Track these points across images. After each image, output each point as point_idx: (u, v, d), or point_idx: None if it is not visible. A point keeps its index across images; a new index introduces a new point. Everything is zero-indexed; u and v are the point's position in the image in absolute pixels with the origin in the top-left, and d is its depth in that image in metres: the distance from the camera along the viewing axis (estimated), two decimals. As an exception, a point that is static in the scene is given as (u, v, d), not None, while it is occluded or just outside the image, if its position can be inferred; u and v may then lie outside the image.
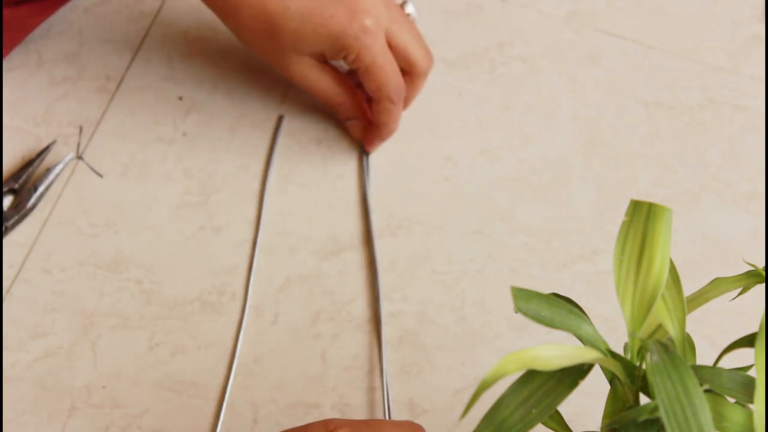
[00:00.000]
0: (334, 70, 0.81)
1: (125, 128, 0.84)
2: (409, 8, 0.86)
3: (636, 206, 0.56)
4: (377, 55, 0.78)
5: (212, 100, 0.86)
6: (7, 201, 0.80)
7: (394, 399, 0.76)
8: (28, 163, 0.82)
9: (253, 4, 0.76)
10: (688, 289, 0.58)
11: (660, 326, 0.58)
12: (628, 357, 0.55)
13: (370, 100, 0.82)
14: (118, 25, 0.88)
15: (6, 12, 0.83)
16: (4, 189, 0.80)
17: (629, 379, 0.55)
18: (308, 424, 0.65)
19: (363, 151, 0.84)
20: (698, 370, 0.54)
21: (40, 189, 0.80)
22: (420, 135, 0.86)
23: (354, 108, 0.83)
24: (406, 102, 0.83)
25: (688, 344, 0.58)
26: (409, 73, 0.81)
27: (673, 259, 0.56)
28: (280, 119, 0.86)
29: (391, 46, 0.79)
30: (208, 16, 0.89)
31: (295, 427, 0.65)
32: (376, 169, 0.84)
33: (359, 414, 0.76)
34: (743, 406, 0.54)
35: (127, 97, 0.86)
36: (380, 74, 0.79)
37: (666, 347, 0.51)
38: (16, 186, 0.80)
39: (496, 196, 0.84)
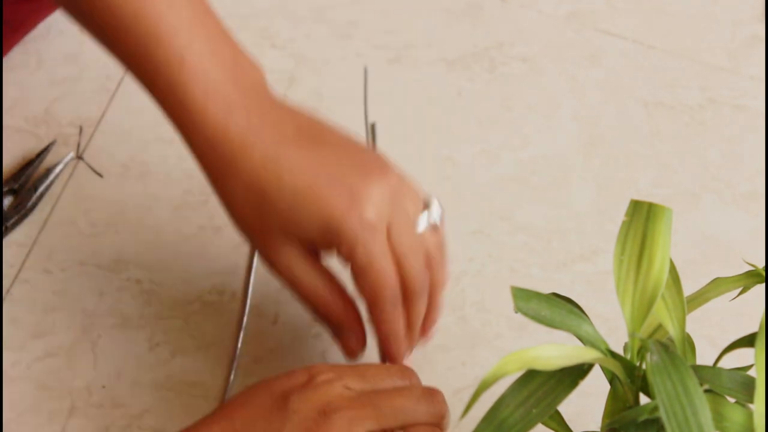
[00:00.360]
0: (327, 270, 0.68)
1: (125, 128, 0.84)
2: (434, 211, 0.70)
3: (636, 206, 0.56)
4: (376, 254, 0.65)
5: (212, 100, 0.86)
6: (7, 201, 0.80)
7: (394, 399, 0.76)
8: (28, 163, 0.81)
9: (246, 172, 0.65)
10: (688, 289, 0.58)
11: (660, 326, 0.58)
12: (628, 357, 0.55)
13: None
14: (118, 25, 0.88)
15: (6, 9, 0.83)
16: (4, 189, 0.80)
17: (629, 379, 0.55)
18: (292, 371, 0.63)
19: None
20: (698, 370, 0.54)
21: (40, 189, 0.80)
22: (420, 135, 0.86)
23: (345, 315, 0.68)
24: (410, 326, 0.69)
25: (688, 344, 0.58)
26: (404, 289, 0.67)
27: (673, 259, 0.56)
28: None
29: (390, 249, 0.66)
30: (208, 16, 0.89)
31: (278, 374, 0.64)
32: (376, 169, 0.84)
33: (359, 414, 0.75)
34: (743, 406, 0.54)
35: (127, 97, 0.86)
36: (377, 277, 0.65)
37: (666, 347, 0.51)
38: (16, 186, 0.80)
39: (496, 196, 0.84)
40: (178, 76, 0.65)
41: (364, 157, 0.67)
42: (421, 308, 0.68)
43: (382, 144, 0.85)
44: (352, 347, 0.69)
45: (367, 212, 0.64)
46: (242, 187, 0.66)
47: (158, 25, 0.65)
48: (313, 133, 0.67)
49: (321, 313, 0.68)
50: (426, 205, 0.69)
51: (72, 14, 0.69)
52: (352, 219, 0.64)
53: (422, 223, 0.68)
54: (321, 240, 0.65)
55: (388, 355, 0.68)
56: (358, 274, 0.66)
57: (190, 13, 0.66)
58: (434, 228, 0.69)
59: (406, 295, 0.67)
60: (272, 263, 0.67)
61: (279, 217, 0.65)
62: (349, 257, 0.65)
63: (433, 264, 0.68)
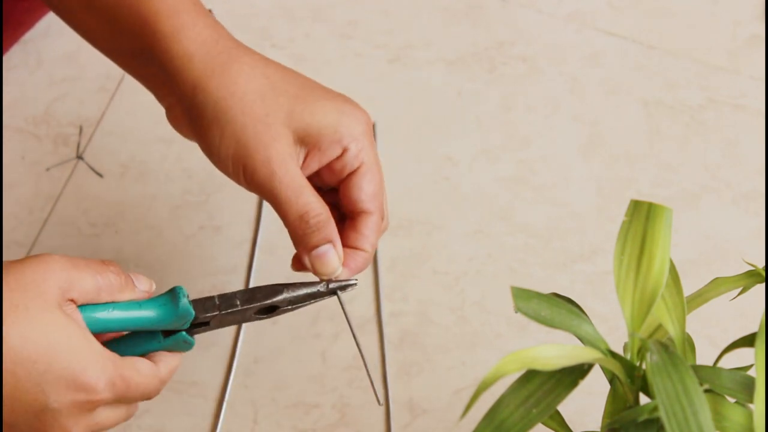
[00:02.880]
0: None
1: (125, 128, 0.84)
2: None
3: (636, 206, 0.56)
4: (375, 155, 0.66)
5: (212, 100, 0.86)
6: None
7: (394, 399, 0.76)
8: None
9: (250, 64, 0.64)
10: (688, 289, 0.58)
11: (660, 326, 0.58)
12: (628, 357, 0.55)
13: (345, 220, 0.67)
14: (118, 25, 0.88)
15: (5, 7, 0.83)
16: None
17: (629, 379, 0.55)
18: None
19: (330, 291, 0.65)
20: (698, 370, 0.54)
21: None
22: (420, 135, 0.86)
23: (332, 226, 0.65)
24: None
25: (688, 344, 0.58)
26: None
27: (673, 259, 0.56)
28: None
29: None
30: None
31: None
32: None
33: (359, 413, 0.76)
34: (743, 405, 0.54)
35: (127, 97, 0.86)
36: (381, 176, 0.66)
37: (666, 347, 0.51)
38: None
39: (496, 196, 0.84)
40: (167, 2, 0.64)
41: None
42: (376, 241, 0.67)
43: (382, 144, 0.85)
44: (336, 264, 0.65)
45: (367, 119, 0.65)
46: (246, 76, 0.64)
47: None
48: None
49: (308, 221, 0.64)
50: None
51: None
52: (359, 117, 0.65)
53: None
54: (330, 132, 0.64)
55: (354, 266, 0.65)
56: (365, 173, 0.65)
57: None
58: None
59: (374, 220, 0.67)
60: (267, 156, 0.63)
61: (287, 103, 0.64)
62: (358, 154, 0.64)
63: None
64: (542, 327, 0.56)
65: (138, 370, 0.60)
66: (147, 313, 0.61)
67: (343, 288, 0.65)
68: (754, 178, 0.85)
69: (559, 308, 0.56)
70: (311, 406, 0.75)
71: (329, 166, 0.65)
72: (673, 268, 0.56)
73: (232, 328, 0.77)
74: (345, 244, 0.65)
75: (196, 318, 0.62)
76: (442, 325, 0.79)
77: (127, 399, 0.60)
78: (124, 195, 0.82)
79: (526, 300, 0.55)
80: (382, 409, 0.75)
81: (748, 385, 0.53)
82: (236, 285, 0.79)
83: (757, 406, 0.50)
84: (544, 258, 0.81)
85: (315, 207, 0.64)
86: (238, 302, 0.63)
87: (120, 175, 0.83)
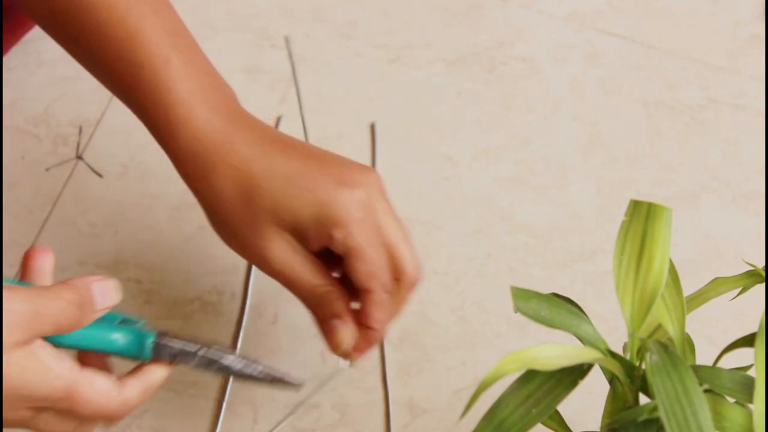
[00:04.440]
0: (315, 258, 0.66)
1: (125, 128, 0.84)
2: None
3: (636, 206, 0.56)
4: (370, 233, 0.65)
5: (212, 100, 0.86)
6: None
7: (394, 399, 0.76)
8: None
9: (233, 164, 0.65)
10: (688, 289, 0.58)
11: (660, 326, 0.58)
12: (628, 357, 0.55)
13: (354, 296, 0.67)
14: (118, 25, 0.88)
15: (5, 7, 0.83)
16: None
17: (629, 379, 0.55)
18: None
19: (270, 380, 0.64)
20: (698, 370, 0.54)
21: None
22: (420, 135, 0.86)
23: (339, 303, 0.66)
24: (389, 317, 0.67)
25: (688, 344, 0.58)
26: (396, 279, 0.66)
27: (673, 259, 0.56)
28: (279, 120, 0.86)
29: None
30: (207, 16, 0.89)
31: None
32: (377, 169, 0.84)
33: (359, 413, 0.76)
34: (743, 406, 0.54)
35: (127, 97, 0.86)
36: (375, 256, 0.65)
37: (666, 347, 0.51)
38: None
39: (496, 196, 0.84)
40: (164, 74, 0.66)
41: (343, 157, 0.68)
42: (406, 300, 0.68)
43: (382, 144, 0.85)
44: (344, 337, 0.66)
45: (358, 193, 0.64)
46: (230, 178, 0.65)
47: (143, 28, 0.66)
48: (292, 138, 0.68)
49: (315, 299, 0.66)
50: None
51: (50, 28, 0.69)
52: (344, 198, 0.64)
53: None
54: (314, 225, 0.64)
55: (364, 345, 0.66)
56: (353, 257, 0.64)
57: (172, 23, 0.67)
58: None
59: (403, 282, 0.66)
60: (264, 258, 0.65)
61: (270, 204, 0.64)
62: (343, 240, 0.64)
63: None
64: (542, 327, 0.56)
65: (93, 386, 0.58)
66: (116, 338, 0.61)
67: (283, 384, 0.64)
68: (754, 178, 0.85)
69: (558, 308, 0.56)
70: (311, 406, 0.75)
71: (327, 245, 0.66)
72: (672, 268, 0.56)
73: (233, 327, 0.77)
74: (356, 322, 0.66)
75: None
76: (442, 325, 0.79)
77: (75, 412, 0.58)
78: (124, 195, 0.82)
79: (526, 300, 0.55)
80: (383, 409, 0.75)
81: (748, 385, 0.53)
82: (236, 285, 0.79)
83: (757, 406, 0.50)
84: (544, 258, 0.81)
85: (318, 288, 0.66)
86: (192, 363, 0.63)
87: (120, 175, 0.83)
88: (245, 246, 0.66)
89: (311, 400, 0.75)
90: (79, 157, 0.83)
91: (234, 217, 0.65)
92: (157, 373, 0.62)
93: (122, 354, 0.62)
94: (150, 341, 0.62)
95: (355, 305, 0.67)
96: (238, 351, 0.66)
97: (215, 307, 0.78)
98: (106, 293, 0.60)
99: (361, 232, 0.64)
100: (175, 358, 0.63)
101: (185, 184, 0.67)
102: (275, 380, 0.63)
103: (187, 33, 0.68)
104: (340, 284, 0.67)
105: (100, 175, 0.83)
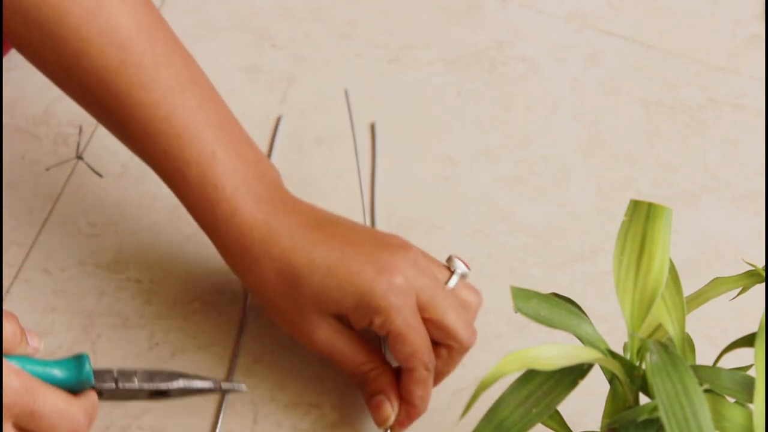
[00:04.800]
0: (360, 336, 0.71)
1: (125, 128, 0.84)
2: (458, 267, 0.72)
3: (636, 206, 0.56)
4: (409, 317, 0.68)
5: (212, 100, 0.86)
6: None
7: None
8: None
9: (276, 257, 0.69)
10: (688, 289, 0.58)
11: (660, 326, 0.58)
12: (628, 357, 0.55)
13: (398, 373, 0.71)
14: (118, 25, 0.88)
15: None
16: None
17: (629, 378, 0.55)
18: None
19: (221, 390, 0.71)
20: (698, 370, 0.54)
21: None
22: (420, 135, 0.86)
23: (383, 379, 0.70)
24: (437, 379, 0.71)
25: (688, 344, 0.58)
26: (447, 346, 0.70)
27: (673, 259, 0.56)
28: (279, 120, 0.86)
29: (425, 318, 0.69)
30: (207, 16, 0.89)
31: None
32: (377, 169, 0.84)
33: (359, 413, 0.75)
34: (743, 405, 0.54)
35: (127, 97, 0.86)
36: (414, 338, 0.68)
37: (666, 347, 0.51)
38: None
39: (496, 196, 0.84)
40: (210, 170, 0.69)
41: (384, 235, 0.71)
42: (458, 363, 0.71)
43: (382, 144, 0.85)
44: (388, 414, 0.70)
45: (396, 279, 0.67)
46: (274, 271, 0.69)
47: (190, 123, 0.69)
48: (332, 219, 0.71)
49: (362, 376, 0.71)
50: (450, 268, 0.72)
51: (100, 119, 0.72)
52: (382, 286, 0.67)
53: (453, 281, 0.71)
54: (354, 312, 0.68)
55: (406, 420, 0.71)
56: (394, 340, 0.68)
57: (218, 115, 0.70)
58: (466, 286, 0.72)
59: (451, 350, 0.70)
60: (311, 341, 0.70)
61: (312, 294, 0.68)
62: (384, 324, 0.68)
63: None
64: (542, 327, 0.56)
65: (52, 389, 0.63)
66: (55, 372, 0.65)
67: (232, 390, 0.71)
68: (754, 178, 0.85)
69: (558, 308, 0.56)
70: (311, 406, 0.75)
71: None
72: (672, 268, 0.56)
73: (233, 327, 0.77)
74: (399, 396, 0.70)
75: (93, 386, 0.66)
76: (442, 325, 0.79)
77: (36, 414, 0.62)
78: (124, 195, 0.82)
79: (526, 300, 0.55)
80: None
81: (748, 385, 0.53)
82: (236, 285, 0.79)
83: (757, 406, 0.50)
84: (544, 258, 0.81)
85: (365, 365, 0.70)
86: (136, 380, 0.67)
87: (120, 175, 0.83)
88: (293, 329, 0.70)
89: (311, 400, 0.75)
90: (79, 157, 0.83)
91: (280, 305, 0.69)
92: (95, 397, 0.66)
93: (64, 384, 0.65)
94: (88, 367, 0.66)
95: None
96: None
97: (215, 307, 0.78)
98: (35, 337, 0.66)
99: (400, 317, 0.67)
100: (117, 380, 0.67)
101: (234, 272, 0.71)
102: (216, 390, 0.70)
103: (231, 120, 0.71)
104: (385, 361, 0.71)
105: (100, 175, 0.83)
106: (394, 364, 0.72)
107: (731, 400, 0.54)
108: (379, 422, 0.70)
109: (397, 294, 0.67)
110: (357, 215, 0.82)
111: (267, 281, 0.69)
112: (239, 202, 0.69)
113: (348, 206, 0.82)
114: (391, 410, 0.70)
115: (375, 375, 0.70)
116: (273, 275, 0.69)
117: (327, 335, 0.69)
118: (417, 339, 0.68)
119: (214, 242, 0.71)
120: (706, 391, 0.52)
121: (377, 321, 0.68)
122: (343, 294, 0.68)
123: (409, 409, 0.70)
